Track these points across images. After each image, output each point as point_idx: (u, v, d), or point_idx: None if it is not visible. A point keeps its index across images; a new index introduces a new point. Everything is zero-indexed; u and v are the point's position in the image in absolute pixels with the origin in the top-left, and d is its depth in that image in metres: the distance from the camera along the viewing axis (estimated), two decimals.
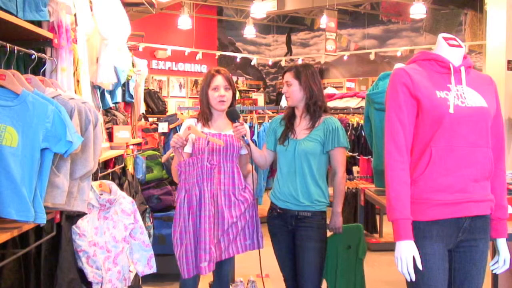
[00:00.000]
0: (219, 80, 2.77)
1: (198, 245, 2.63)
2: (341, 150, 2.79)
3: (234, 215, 2.72)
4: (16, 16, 1.96)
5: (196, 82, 13.25)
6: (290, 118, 2.85)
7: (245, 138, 2.74)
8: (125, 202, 2.71)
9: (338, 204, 2.83)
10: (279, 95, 13.41)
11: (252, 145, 2.79)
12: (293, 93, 2.78)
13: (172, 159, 2.90)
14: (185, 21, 11.50)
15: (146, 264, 2.75)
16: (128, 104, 4.18)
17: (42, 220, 1.77)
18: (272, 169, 5.06)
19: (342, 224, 2.86)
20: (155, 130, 4.58)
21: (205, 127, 2.79)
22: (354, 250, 2.93)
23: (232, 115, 2.75)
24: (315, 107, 2.77)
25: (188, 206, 2.67)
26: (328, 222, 2.87)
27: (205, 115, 2.81)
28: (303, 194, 2.72)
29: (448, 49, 2.06)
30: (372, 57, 12.12)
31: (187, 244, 2.65)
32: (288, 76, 2.80)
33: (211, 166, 2.69)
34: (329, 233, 2.85)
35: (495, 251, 2.15)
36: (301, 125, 2.80)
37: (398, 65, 2.46)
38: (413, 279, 1.92)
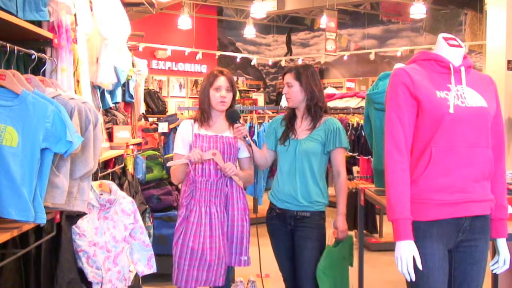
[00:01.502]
0: (222, 81, 2.75)
1: (208, 263, 2.69)
2: (342, 150, 2.79)
3: (237, 228, 2.77)
4: (16, 16, 1.96)
5: (196, 82, 13.25)
6: (290, 118, 2.85)
7: (247, 138, 2.75)
8: (125, 202, 2.71)
9: (342, 205, 2.79)
10: (279, 95, 13.41)
11: (253, 145, 2.80)
12: (293, 94, 2.78)
13: (172, 159, 2.90)
14: (185, 21, 11.49)
15: (146, 264, 2.75)
16: (128, 104, 4.17)
17: (42, 220, 1.77)
18: (272, 169, 5.06)
19: (347, 227, 2.80)
20: (155, 130, 4.58)
21: (202, 128, 2.78)
22: (347, 260, 2.88)
23: (233, 116, 2.75)
24: (316, 108, 2.77)
25: (205, 222, 2.69)
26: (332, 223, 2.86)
27: (204, 114, 2.79)
28: (303, 194, 2.72)
29: (448, 49, 2.06)
30: (372, 57, 12.11)
31: (192, 259, 2.68)
32: (289, 77, 2.80)
33: (227, 189, 2.75)
34: (332, 240, 2.77)
35: (495, 251, 2.15)
36: (302, 126, 2.80)
37: (398, 65, 2.45)
38: (413, 279, 1.92)
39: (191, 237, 2.68)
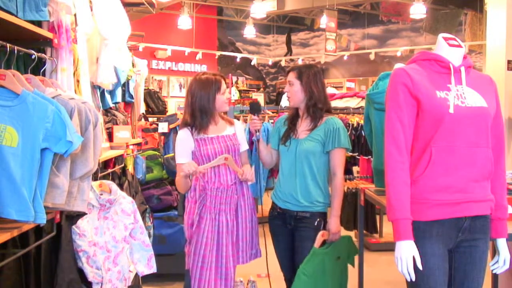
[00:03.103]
0: (225, 84, 2.83)
1: (224, 270, 2.71)
2: (341, 151, 2.76)
3: (244, 225, 2.80)
4: (16, 16, 1.96)
5: None
6: (293, 118, 2.86)
7: (257, 133, 2.79)
8: (125, 202, 2.71)
9: (337, 207, 2.76)
10: (279, 95, 13.40)
11: (262, 141, 2.84)
12: (294, 93, 2.79)
13: (172, 159, 2.90)
14: (185, 21, 11.49)
15: (146, 264, 2.75)
16: (128, 104, 4.17)
17: (42, 220, 1.77)
18: (272, 169, 5.06)
19: (340, 230, 2.76)
20: (155, 130, 4.58)
21: (202, 133, 2.77)
22: (344, 260, 2.84)
23: (256, 108, 2.88)
24: (315, 108, 2.76)
25: (214, 230, 2.71)
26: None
27: (206, 120, 2.76)
28: (303, 194, 2.72)
29: (448, 49, 2.06)
30: (372, 57, 12.11)
31: (210, 270, 2.70)
32: (291, 76, 2.80)
33: (237, 197, 2.77)
34: (321, 240, 2.71)
35: (495, 251, 2.15)
36: (303, 125, 2.81)
37: (398, 65, 2.45)
38: (413, 279, 1.92)
39: (202, 245, 2.70)
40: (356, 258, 3.49)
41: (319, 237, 2.69)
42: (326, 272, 2.71)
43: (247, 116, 6.45)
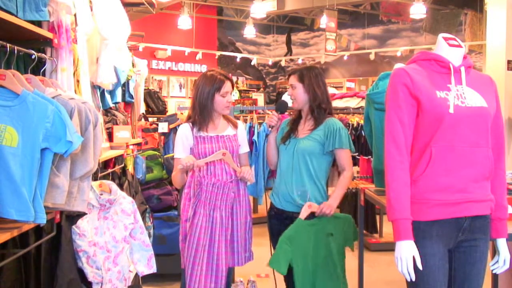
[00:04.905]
0: (228, 87, 2.78)
1: (215, 267, 2.71)
2: (345, 151, 2.77)
3: (239, 226, 2.80)
4: (16, 16, 1.96)
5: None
6: (295, 119, 2.89)
7: (270, 129, 2.87)
8: (125, 202, 2.71)
9: (336, 195, 2.72)
10: (279, 95, 13.40)
11: (270, 137, 2.91)
12: (297, 95, 2.81)
13: (172, 159, 2.90)
14: (185, 21, 11.49)
15: (146, 264, 2.75)
16: (128, 104, 4.17)
17: (42, 220, 1.77)
18: (272, 170, 5.07)
19: (333, 207, 2.68)
20: (155, 130, 4.58)
21: (201, 131, 2.77)
22: (338, 238, 2.73)
23: (281, 107, 2.95)
24: (319, 109, 2.78)
25: (208, 226, 2.70)
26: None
27: (206, 118, 2.77)
28: (298, 192, 2.72)
29: (448, 49, 2.06)
30: (372, 57, 12.10)
31: (202, 265, 2.69)
32: (293, 79, 2.83)
33: (234, 195, 2.76)
34: (307, 212, 2.66)
35: (495, 251, 2.15)
36: (305, 126, 2.83)
37: (398, 65, 2.45)
38: (413, 279, 1.92)
39: (195, 240, 2.70)
40: (356, 258, 3.49)
41: (305, 208, 2.65)
42: (311, 244, 2.64)
43: (247, 116, 6.45)
